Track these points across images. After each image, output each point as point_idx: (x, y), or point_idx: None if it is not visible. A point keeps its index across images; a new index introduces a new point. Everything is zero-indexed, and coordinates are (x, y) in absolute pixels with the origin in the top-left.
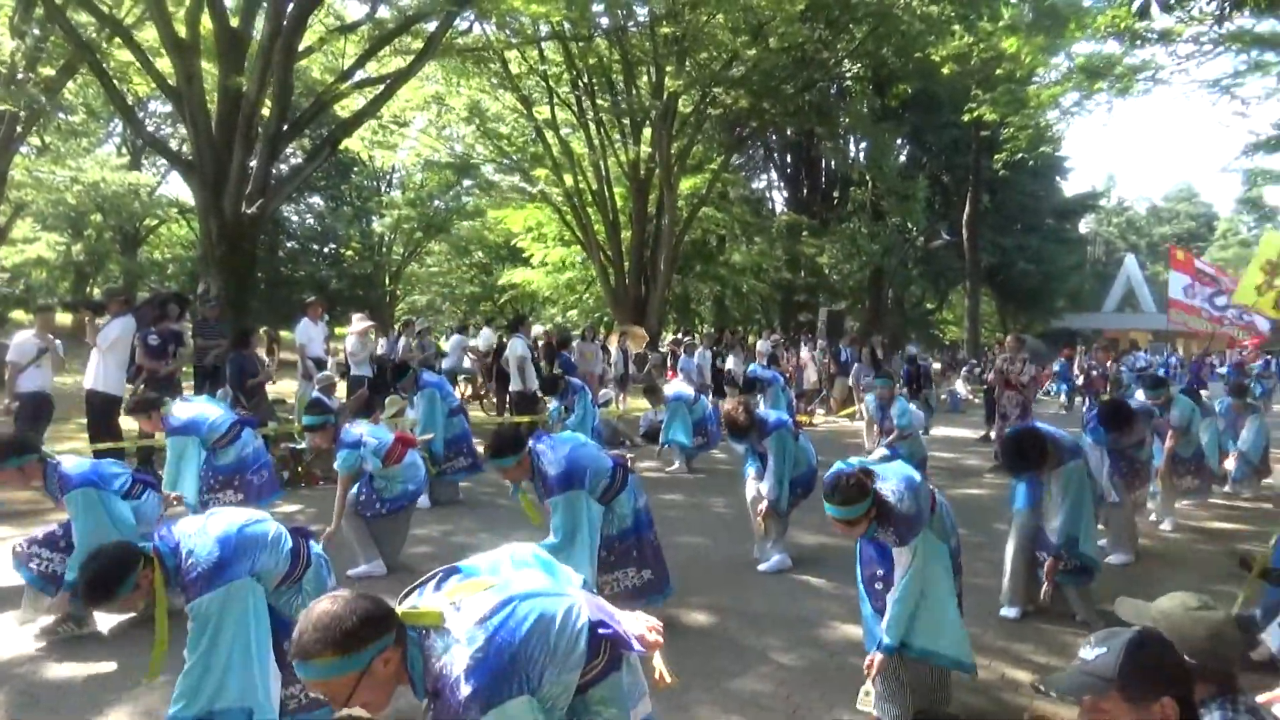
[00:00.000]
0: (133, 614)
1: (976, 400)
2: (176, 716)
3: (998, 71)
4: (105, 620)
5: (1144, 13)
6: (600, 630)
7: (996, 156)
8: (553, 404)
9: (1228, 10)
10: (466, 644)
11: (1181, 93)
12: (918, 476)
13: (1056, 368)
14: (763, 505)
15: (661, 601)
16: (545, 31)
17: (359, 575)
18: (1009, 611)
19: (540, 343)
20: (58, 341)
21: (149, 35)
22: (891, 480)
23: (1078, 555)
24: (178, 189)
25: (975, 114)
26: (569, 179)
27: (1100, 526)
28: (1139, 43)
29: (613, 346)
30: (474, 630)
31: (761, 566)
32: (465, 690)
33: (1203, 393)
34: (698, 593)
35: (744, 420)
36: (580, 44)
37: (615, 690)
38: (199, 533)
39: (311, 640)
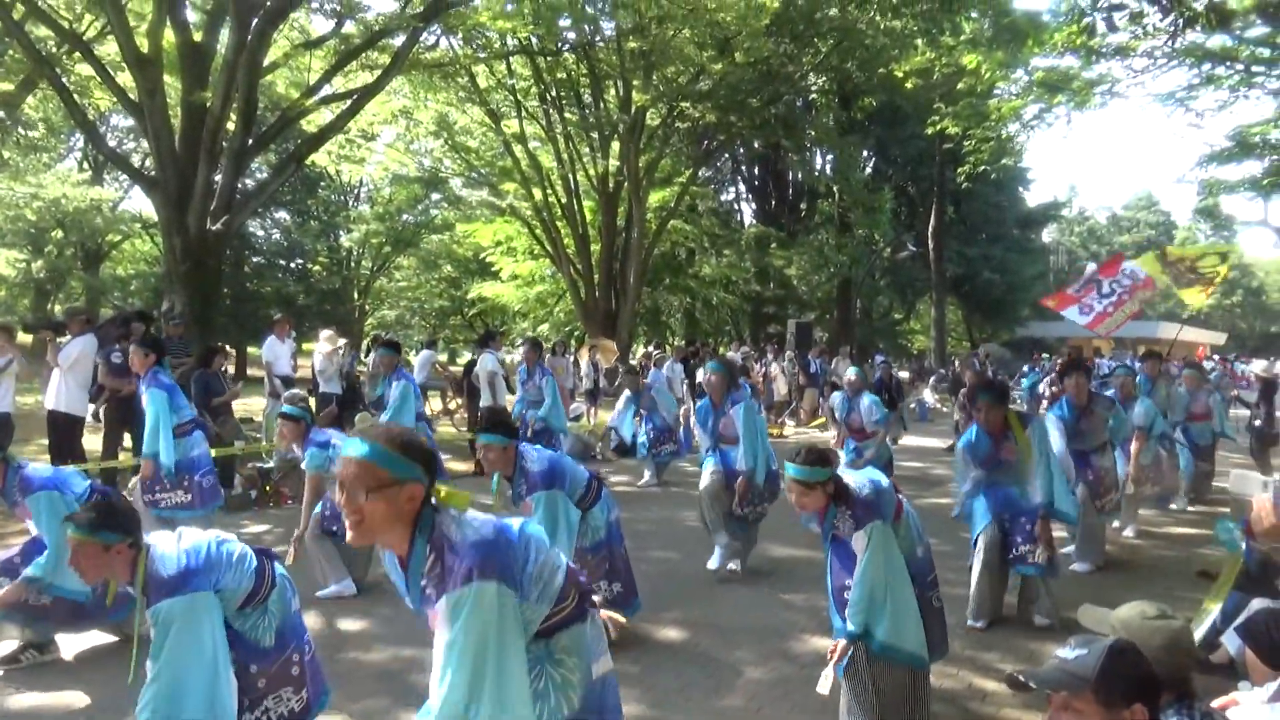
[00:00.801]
0: (103, 637)
1: (944, 409)
2: None
3: (960, 85)
4: (70, 647)
5: (1090, 31)
6: (575, 575)
7: (960, 169)
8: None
9: (1180, 27)
10: (477, 525)
11: (1138, 105)
12: (885, 480)
13: (1025, 376)
14: (740, 481)
15: (631, 615)
16: (513, 46)
17: (328, 595)
18: (977, 622)
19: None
20: (16, 359)
21: (110, 50)
22: (858, 475)
23: (1055, 513)
24: (141, 204)
25: (938, 127)
26: (538, 192)
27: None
28: (1095, 58)
29: (583, 360)
30: (484, 519)
31: (711, 564)
32: (470, 555)
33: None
34: (669, 607)
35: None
36: (548, 59)
37: (579, 641)
38: (169, 543)
39: (380, 432)
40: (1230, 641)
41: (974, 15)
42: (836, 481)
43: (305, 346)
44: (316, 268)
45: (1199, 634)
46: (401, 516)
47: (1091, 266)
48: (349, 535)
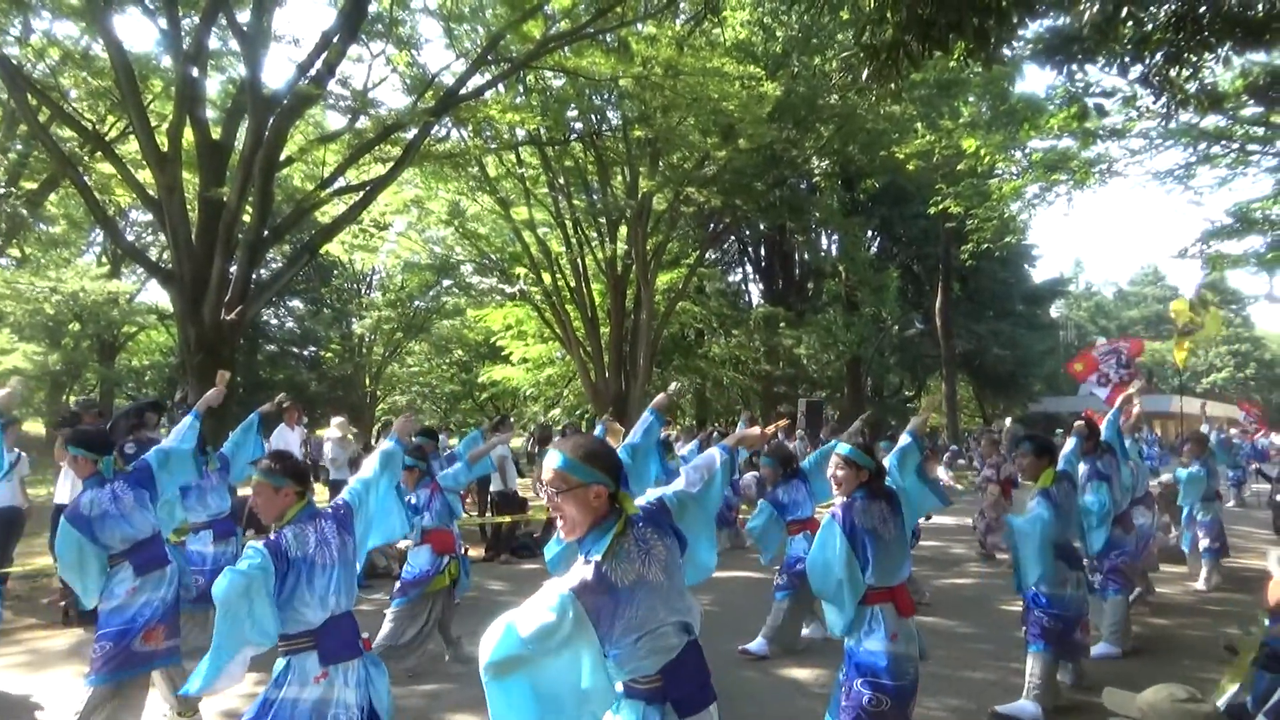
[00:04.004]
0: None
1: (960, 487)
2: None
3: (960, 166)
4: None
5: (1084, 115)
6: None
7: (964, 246)
8: None
9: (1174, 109)
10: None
11: (1137, 183)
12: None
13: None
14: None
15: None
16: (522, 137)
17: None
18: (1036, 711)
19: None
20: (23, 455)
21: (131, 148)
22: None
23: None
24: (157, 295)
25: (941, 206)
26: (547, 277)
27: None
28: (1093, 139)
29: None
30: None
31: (751, 647)
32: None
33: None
34: None
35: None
36: (556, 148)
37: None
38: None
39: (569, 444)
40: None
41: (971, 100)
42: (874, 474)
43: (317, 433)
44: (329, 355)
45: (1221, 704)
46: (590, 509)
47: (1103, 340)
48: (562, 534)
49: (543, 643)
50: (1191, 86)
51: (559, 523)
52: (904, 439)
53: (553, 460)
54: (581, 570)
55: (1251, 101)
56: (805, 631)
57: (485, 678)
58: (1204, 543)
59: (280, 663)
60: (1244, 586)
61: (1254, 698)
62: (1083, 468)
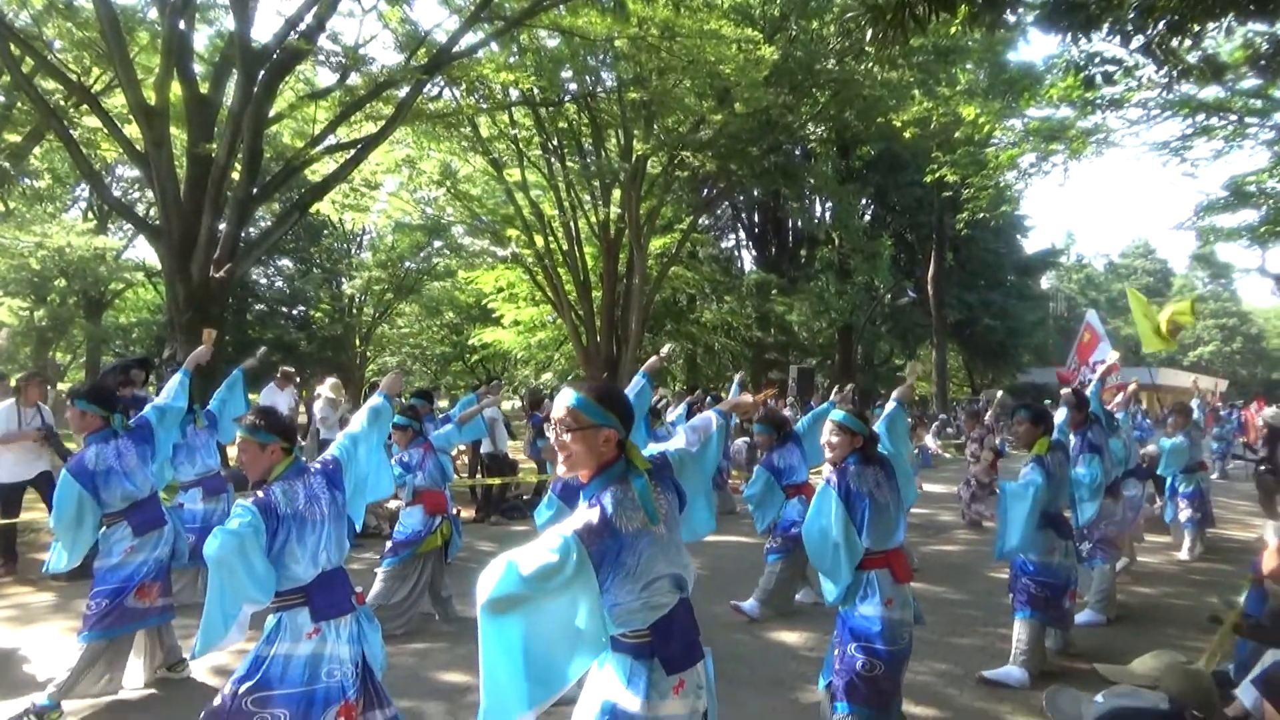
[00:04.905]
0: (96, 698)
1: (947, 455)
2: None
3: (957, 134)
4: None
5: (1089, 84)
6: None
7: (959, 216)
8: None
9: (1174, 79)
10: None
11: (1133, 154)
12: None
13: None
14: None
15: None
16: (515, 97)
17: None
18: (1023, 676)
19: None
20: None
21: (117, 101)
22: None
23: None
24: (144, 252)
25: (937, 175)
26: (539, 240)
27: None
28: (1091, 109)
29: None
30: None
31: (743, 605)
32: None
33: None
34: None
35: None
36: (550, 109)
37: None
38: None
39: (587, 385)
40: (1245, 694)
41: (969, 67)
42: (868, 439)
43: (305, 394)
44: (319, 315)
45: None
46: (599, 451)
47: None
48: (560, 468)
49: (543, 583)
50: (1193, 57)
51: (560, 460)
52: (890, 405)
53: (566, 397)
54: (586, 514)
55: (1251, 73)
56: (797, 596)
57: (481, 614)
58: (1185, 513)
59: (271, 619)
60: (1227, 557)
61: (1236, 665)
62: (1074, 440)
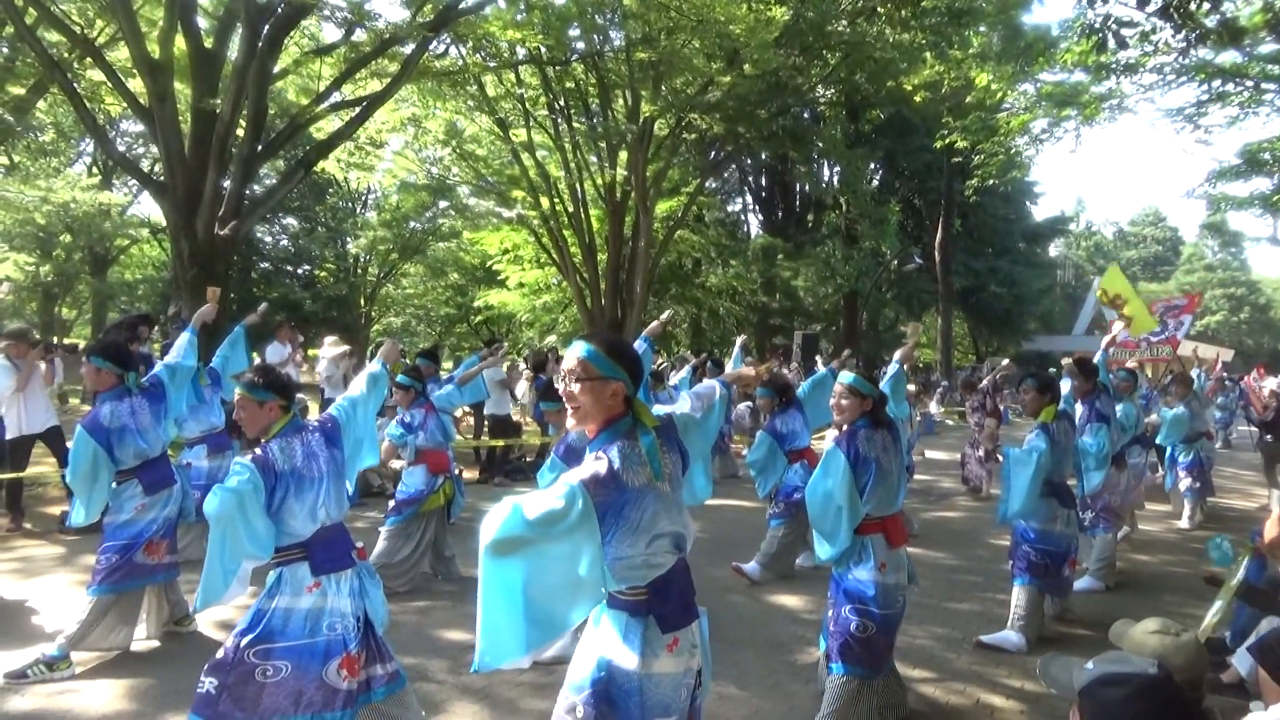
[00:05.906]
0: (105, 651)
1: (950, 422)
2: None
3: (968, 99)
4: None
5: (1102, 47)
6: None
7: (968, 182)
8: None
9: (1192, 43)
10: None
11: (1147, 121)
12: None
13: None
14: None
15: None
16: (522, 55)
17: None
18: (1020, 641)
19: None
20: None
21: (121, 55)
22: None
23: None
24: (149, 209)
25: (947, 140)
26: (545, 201)
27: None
28: (1104, 74)
29: None
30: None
31: (745, 566)
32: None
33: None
34: None
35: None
36: (557, 68)
37: None
38: None
39: (598, 338)
40: (1241, 662)
41: (982, 29)
42: (877, 402)
43: (310, 352)
44: (323, 274)
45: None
46: (607, 405)
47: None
48: (570, 421)
49: (547, 528)
50: (1211, 20)
51: (569, 413)
52: (892, 367)
53: (577, 349)
54: (594, 464)
55: (1270, 38)
56: (798, 561)
57: (483, 555)
58: (1185, 483)
59: (272, 574)
60: (1228, 526)
61: (1233, 632)
62: (1081, 409)
